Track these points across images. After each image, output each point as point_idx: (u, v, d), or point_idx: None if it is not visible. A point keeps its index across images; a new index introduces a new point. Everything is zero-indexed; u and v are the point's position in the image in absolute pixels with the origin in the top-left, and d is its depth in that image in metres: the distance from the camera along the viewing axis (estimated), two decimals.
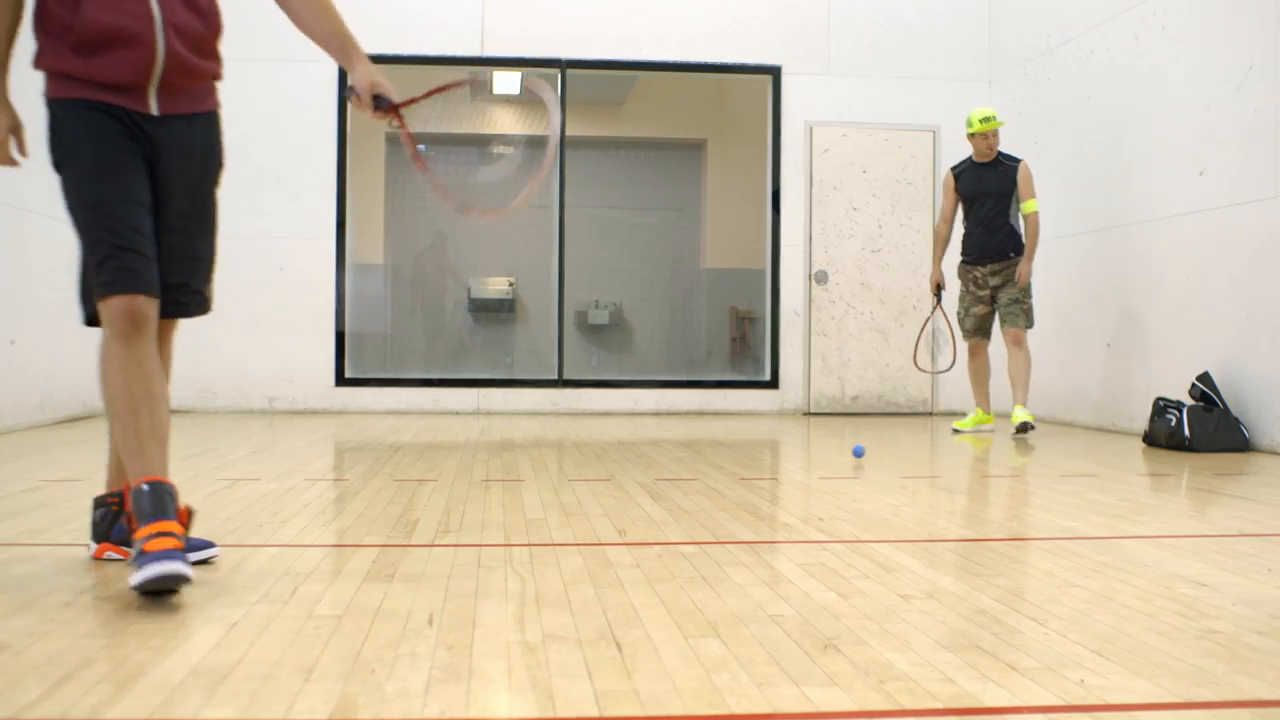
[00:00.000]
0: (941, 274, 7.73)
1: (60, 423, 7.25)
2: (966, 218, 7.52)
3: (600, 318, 11.58)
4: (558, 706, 1.73)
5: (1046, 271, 8.14)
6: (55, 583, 2.58)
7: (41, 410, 7.05)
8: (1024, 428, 6.91)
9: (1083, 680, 1.89)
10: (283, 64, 8.62)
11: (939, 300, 7.79)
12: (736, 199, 11.03)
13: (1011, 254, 7.34)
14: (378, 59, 8.79)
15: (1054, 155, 8.32)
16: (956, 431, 7.47)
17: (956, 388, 9.35)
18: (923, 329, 8.63)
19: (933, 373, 8.82)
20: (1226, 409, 6.11)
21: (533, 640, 2.11)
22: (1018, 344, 7.25)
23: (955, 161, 8.13)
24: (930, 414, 9.24)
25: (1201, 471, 5.19)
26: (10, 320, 6.65)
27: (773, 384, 9.29)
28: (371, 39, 8.88)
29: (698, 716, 1.70)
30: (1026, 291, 7.31)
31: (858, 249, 9.30)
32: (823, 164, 9.27)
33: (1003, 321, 7.35)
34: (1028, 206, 7.32)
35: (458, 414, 8.77)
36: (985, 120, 7.34)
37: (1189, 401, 6.25)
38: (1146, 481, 4.97)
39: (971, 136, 7.40)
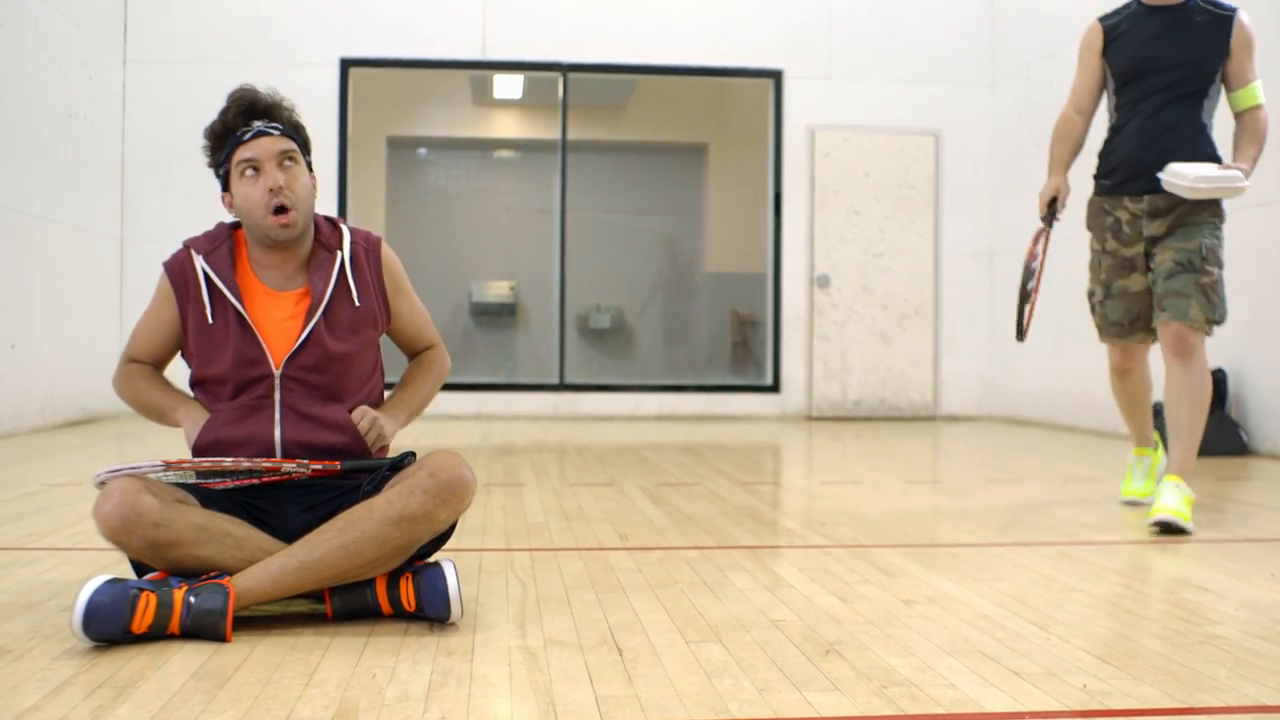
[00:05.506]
0: (1065, 184, 4.05)
1: (61, 427, 7.24)
2: (1120, 106, 3.97)
3: (601, 322, 11.56)
4: (559, 712, 1.73)
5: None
6: (56, 587, 2.57)
7: (42, 414, 7.04)
8: (1166, 528, 3.48)
9: (1085, 686, 1.89)
10: (283, 67, 8.62)
11: (1049, 226, 4.04)
12: (738, 203, 11.03)
13: None
14: (379, 62, 8.92)
15: None
16: (1134, 503, 4.19)
17: (957, 388, 9.33)
18: (1025, 286, 4.03)
19: (1017, 333, 4.09)
20: (1225, 412, 6.10)
21: (534, 645, 2.11)
22: (1181, 354, 3.71)
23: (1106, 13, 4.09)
24: (933, 418, 9.23)
25: (1203, 476, 5.18)
26: (11, 324, 6.65)
27: (774, 388, 9.29)
28: (372, 41, 8.95)
29: None
30: (1206, 255, 3.73)
31: (859, 253, 9.30)
32: (824, 168, 9.27)
33: (1160, 307, 3.77)
34: (1244, 98, 3.79)
35: (458, 418, 8.76)
36: None
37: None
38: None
39: None
